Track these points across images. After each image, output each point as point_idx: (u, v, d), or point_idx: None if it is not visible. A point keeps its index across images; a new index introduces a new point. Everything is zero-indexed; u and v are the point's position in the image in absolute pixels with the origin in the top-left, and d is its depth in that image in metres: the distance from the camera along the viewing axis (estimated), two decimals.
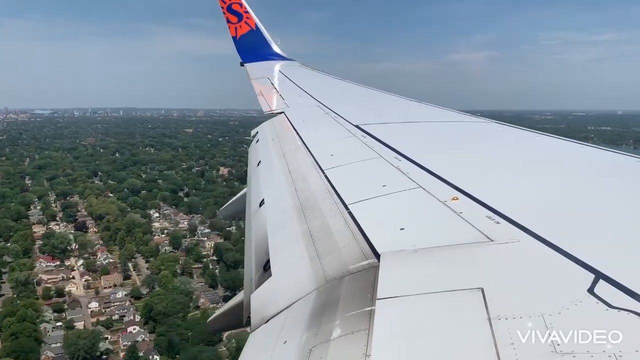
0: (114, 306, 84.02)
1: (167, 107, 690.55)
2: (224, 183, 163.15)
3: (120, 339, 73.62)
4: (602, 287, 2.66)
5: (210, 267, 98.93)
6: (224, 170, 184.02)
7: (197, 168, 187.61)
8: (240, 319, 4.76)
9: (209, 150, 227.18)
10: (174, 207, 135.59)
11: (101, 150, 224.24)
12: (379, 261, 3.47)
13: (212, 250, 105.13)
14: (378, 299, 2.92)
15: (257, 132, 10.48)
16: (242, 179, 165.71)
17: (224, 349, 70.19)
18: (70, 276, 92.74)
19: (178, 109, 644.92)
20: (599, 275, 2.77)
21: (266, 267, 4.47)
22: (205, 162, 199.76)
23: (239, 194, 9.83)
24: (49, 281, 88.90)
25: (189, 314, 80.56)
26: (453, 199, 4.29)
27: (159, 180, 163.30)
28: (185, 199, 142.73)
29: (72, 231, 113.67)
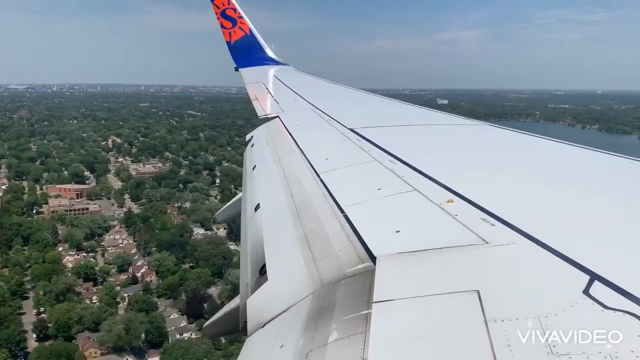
0: None
1: (151, 83, 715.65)
2: (96, 151, 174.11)
3: None
4: (597, 288, 2.67)
5: None
6: (111, 140, 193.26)
7: (92, 140, 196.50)
8: (236, 324, 4.74)
9: (131, 122, 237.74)
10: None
11: (24, 122, 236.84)
12: (375, 264, 3.47)
13: None
14: (374, 302, 2.92)
15: (252, 137, 10.47)
16: (119, 149, 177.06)
17: None
18: None
19: (159, 85, 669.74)
20: (594, 277, 2.78)
21: (262, 272, 4.46)
22: (103, 133, 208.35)
23: (234, 199, 9.82)
24: None
25: None
26: (448, 201, 4.30)
27: (33, 148, 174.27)
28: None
29: None
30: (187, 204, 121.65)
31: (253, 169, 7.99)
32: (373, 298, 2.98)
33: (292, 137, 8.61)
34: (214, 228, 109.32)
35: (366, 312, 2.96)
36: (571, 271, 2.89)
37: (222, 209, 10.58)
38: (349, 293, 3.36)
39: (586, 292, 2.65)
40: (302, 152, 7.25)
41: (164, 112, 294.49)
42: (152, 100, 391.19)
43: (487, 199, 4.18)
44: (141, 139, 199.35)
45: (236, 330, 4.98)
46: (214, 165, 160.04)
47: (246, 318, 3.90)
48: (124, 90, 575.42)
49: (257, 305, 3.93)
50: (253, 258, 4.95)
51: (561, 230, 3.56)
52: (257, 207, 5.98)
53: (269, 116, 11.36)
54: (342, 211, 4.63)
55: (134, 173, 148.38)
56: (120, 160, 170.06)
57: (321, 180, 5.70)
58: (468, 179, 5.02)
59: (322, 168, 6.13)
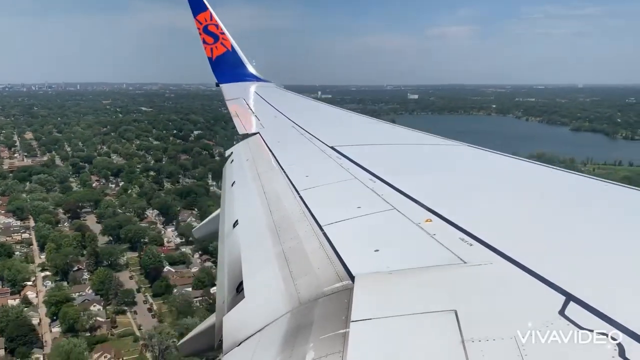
0: None
1: (136, 81, 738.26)
2: None
3: None
4: (572, 309, 2.70)
5: None
6: (22, 136, 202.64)
7: (5, 137, 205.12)
8: (212, 342, 4.67)
9: (70, 118, 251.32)
10: None
11: None
12: (353, 283, 3.46)
13: None
14: (352, 321, 2.91)
15: (232, 153, 10.42)
16: (22, 144, 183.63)
17: None
18: None
19: (143, 83, 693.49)
20: (569, 297, 2.81)
21: (239, 289, 4.40)
22: (23, 129, 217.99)
23: (213, 214, 9.71)
24: None
25: None
26: (426, 220, 4.32)
27: None
28: None
29: None
30: (24, 196, 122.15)
31: (232, 185, 7.94)
32: (351, 317, 2.96)
33: (272, 153, 8.60)
34: (30, 217, 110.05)
35: (344, 331, 2.94)
36: (547, 292, 2.92)
37: (199, 225, 10.46)
38: (326, 312, 3.33)
39: (562, 312, 2.68)
40: (282, 169, 7.24)
41: (114, 109, 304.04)
42: (118, 97, 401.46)
43: (466, 219, 4.21)
44: (55, 134, 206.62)
45: (212, 348, 4.90)
46: (90, 159, 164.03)
47: (222, 336, 3.84)
48: (103, 88, 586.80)
49: (234, 323, 3.88)
50: (230, 275, 4.89)
51: (538, 251, 3.59)
52: (235, 224, 5.93)
53: (249, 132, 11.34)
54: (321, 229, 4.62)
55: (6, 167, 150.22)
56: (16, 155, 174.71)
57: (301, 198, 5.69)
58: (447, 199, 5.06)
59: (302, 185, 6.13)
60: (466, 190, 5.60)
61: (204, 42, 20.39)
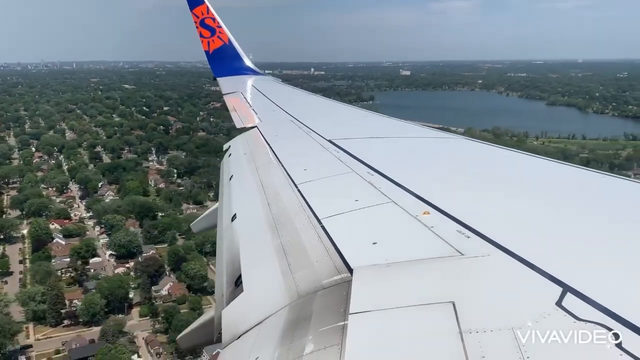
0: None
1: (135, 60, 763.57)
2: None
3: None
4: (569, 300, 2.72)
5: None
6: None
7: None
8: (211, 336, 4.68)
9: (48, 96, 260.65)
10: None
11: None
12: (351, 275, 3.47)
13: None
14: (350, 314, 2.92)
15: (230, 147, 10.40)
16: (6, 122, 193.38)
17: None
18: None
19: (139, 61, 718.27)
20: (566, 289, 2.83)
21: (238, 283, 4.42)
22: None
23: (211, 209, 9.71)
24: None
25: None
26: (424, 213, 4.33)
27: None
28: None
29: None
30: None
31: (230, 179, 7.93)
32: (349, 309, 2.98)
33: (270, 147, 8.59)
34: None
35: (342, 323, 2.96)
36: (544, 283, 2.94)
37: (197, 220, 10.43)
38: (325, 304, 3.35)
39: (559, 303, 2.69)
40: (280, 162, 7.24)
41: (97, 87, 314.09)
42: (108, 75, 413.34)
43: (463, 212, 4.22)
44: (21, 112, 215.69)
45: (211, 341, 4.92)
46: (40, 135, 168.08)
47: (221, 329, 3.86)
48: (99, 67, 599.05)
49: (233, 316, 3.89)
50: (229, 269, 4.90)
51: (535, 243, 3.61)
52: (233, 218, 5.94)
53: (247, 126, 11.31)
54: (320, 222, 4.63)
55: None
56: None
57: (299, 191, 5.70)
58: (444, 192, 5.07)
59: (300, 179, 6.13)
60: (464, 183, 5.61)
61: (201, 35, 20.30)
